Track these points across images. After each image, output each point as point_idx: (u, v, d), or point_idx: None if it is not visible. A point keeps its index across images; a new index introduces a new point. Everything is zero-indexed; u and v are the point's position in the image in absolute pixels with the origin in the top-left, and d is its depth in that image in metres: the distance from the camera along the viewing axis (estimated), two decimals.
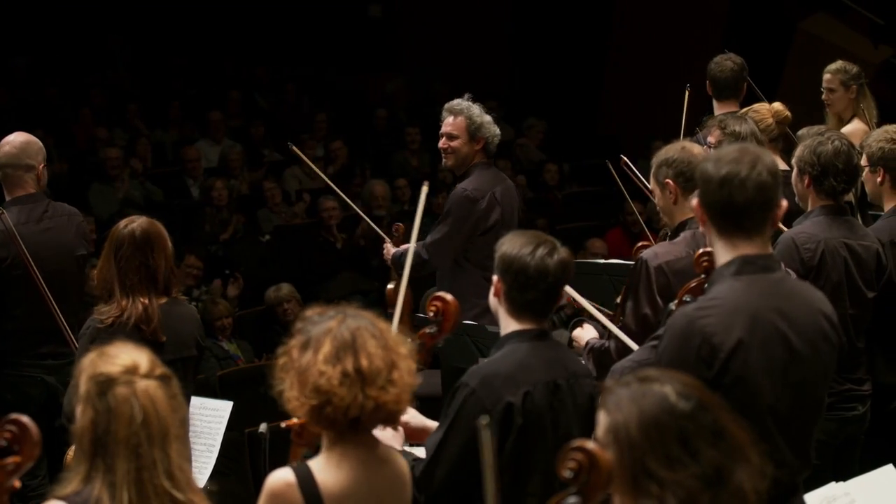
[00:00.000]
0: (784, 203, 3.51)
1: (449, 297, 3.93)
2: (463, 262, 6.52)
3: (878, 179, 5.48)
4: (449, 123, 6.52)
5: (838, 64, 7.31)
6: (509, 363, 3.67)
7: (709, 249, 3.94)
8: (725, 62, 7.05)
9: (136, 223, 4.87)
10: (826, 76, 7.27)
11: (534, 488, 3.64)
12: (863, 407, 5.09)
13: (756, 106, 6.16)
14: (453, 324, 3.91)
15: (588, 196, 12.42)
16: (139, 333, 4.77)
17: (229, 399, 5.64)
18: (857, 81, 7.24)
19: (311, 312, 3.13)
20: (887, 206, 5.56)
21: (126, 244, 4.81)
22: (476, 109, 6.49)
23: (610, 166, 6.50)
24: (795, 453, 3.48)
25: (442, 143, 6.56)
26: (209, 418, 5.56)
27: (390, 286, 6.77)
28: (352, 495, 3.05)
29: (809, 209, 5.10)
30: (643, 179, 6.48)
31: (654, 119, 11.28)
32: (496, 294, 3.73)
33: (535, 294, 3.69)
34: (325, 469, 3.06)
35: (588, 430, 3.82)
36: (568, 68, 13.80)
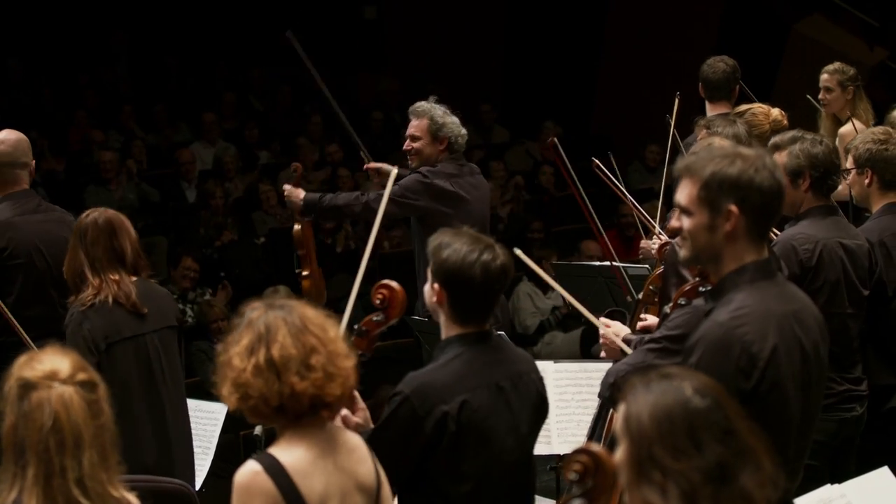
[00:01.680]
0: None
1: (395, 284, 3.95)
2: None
3: (867, 181, 5.49)
4: (412, 125, 6.55)
5: (836, 65, 7.32)
6: (448, 371, 3.67)
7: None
8: (718, 63, 7.04)
9: (97, 212, 5.05)
10: (823, 76, 7.28)
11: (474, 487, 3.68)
12: (861, 408, 5.10)
13: (755, 108, 6.13)
14: (400, 311, 3.94)
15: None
16: (121, 308, 4.95)
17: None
18: (854, 83, 7.25)
19: (245, 307, 3.18)
20: (875, 208, 5.57)
21: (90, 230, 4.99)
22: (439, 111, 6.49)
23: (601, 165, 6.49)
24: (798, 461, 3.45)
25: (406, 144, 6.59)
26: (204, 421, 5.57)
27: (297, 227, 6.72)
28: (317, 470, 3.09)
29: (801, 211, 5.11)
30: (617, 182, 6.50)
31: (649, 120, 11.28)
32: (438, 302, 3.71)
33: (479, 302, 3.70)
34: (285, 451, 3.09)
35: (537, 422, 3.85)
36: (561, 70, 13.80)
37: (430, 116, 6.47)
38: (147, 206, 10.58)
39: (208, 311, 8.53)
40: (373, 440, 3.56)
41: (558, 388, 5.66)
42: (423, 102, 6.58)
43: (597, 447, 2.49)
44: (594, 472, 2.48)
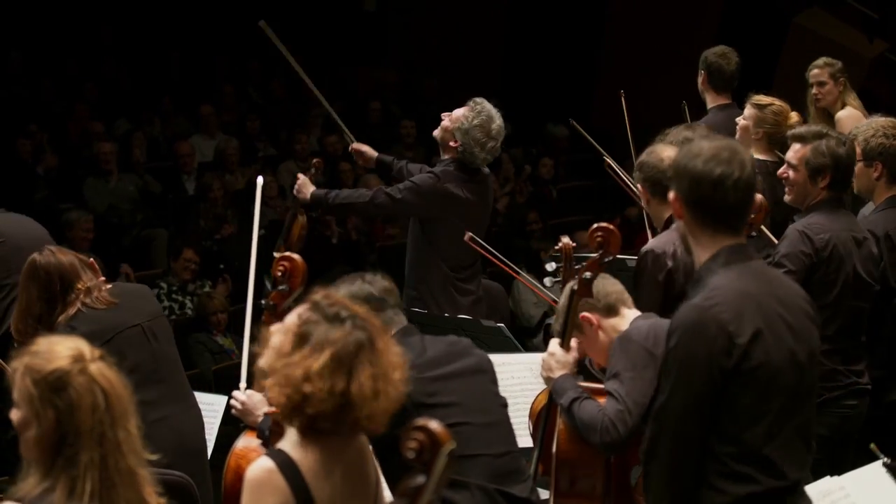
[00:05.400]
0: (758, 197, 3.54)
1: (296, 256, 4.12)
2: (434, 259, 6.41)
3: (875, 174, 5.51)
4: None
5: (824, 59, 7.29)
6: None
7: (603, 224, 4.22)
8: (731, 55, 7.07)
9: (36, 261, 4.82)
10: (814, 71, 7.23)
11: None
12: (863, 403, 5.12)
13: (777, 107, 6.23)
14: (302, 280, 4.08)
15: (582, 190, 12.42)
16: (102, 310, 4.85)
17: (224, 394, 5.64)
18: (843, 74, 7.24)
19: (323, 300, 3.09)
20: (878, 200, 5.59)
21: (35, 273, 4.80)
22: (472, 119, 6.36)
23: (612, 164, 6.56)
24: (805, 442, 3.44)
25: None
26: (204, 413, 5.57)
27: (301, 219, 6.55)
28: (330, 470, 3.05)
29: (812, 203, 5.15)
30: (627, 180, 6.52)
31: (649, 112, 11.28)
32: None
33: None
34: (299, 450, 3.05)
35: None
36: (561, 61, 13.79)
37: (464, 115, 6.38)
38: (147, 198, 10.57)
39: (207, 303, 8.53)
40: None
41: None
42: (484, 101, 6.50)
43: (433, 423, 2.45)
44: (430, 448, 2.45)
